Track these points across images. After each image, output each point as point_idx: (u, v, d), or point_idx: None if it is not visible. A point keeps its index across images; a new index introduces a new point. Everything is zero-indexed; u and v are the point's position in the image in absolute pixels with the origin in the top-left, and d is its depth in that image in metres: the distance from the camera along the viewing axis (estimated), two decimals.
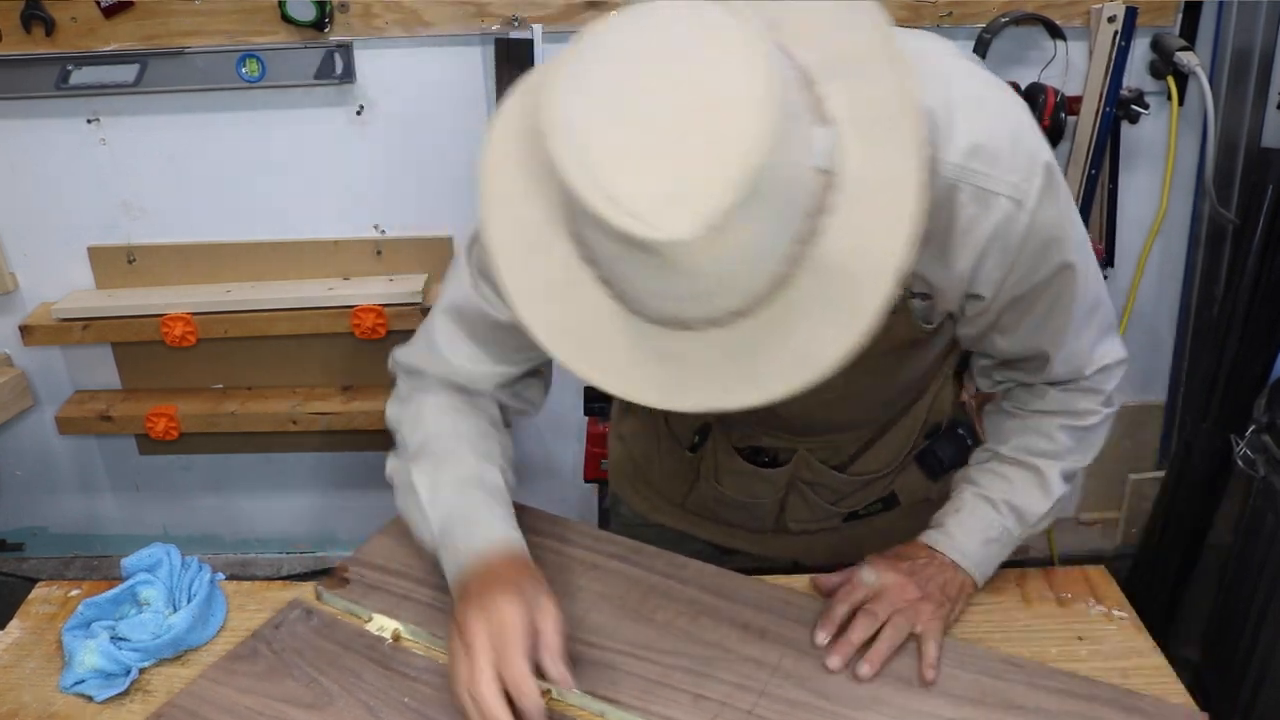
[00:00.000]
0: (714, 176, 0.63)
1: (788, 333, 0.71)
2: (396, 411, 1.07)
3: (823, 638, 0.95)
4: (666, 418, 1.21)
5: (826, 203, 0.68)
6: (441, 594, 1.04)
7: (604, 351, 0.75)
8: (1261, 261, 1.95)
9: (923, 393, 1.16)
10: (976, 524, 1.01)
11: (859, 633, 0.94)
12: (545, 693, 0.92)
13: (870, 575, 0.99)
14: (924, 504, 1.23)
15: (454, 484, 0.98)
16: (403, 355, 1.07)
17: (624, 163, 0.65)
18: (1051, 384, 1.01)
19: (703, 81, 0.64)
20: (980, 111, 0.83)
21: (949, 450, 1.19)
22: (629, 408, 1.30)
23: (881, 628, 0.94)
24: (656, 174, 0.64)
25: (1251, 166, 1.94)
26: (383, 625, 1.00)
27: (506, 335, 0.97)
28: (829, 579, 1.02)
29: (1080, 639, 1.00)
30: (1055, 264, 0.89)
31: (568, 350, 0.76)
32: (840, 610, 0.97)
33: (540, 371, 1.09)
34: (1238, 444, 1.77)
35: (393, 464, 1.05)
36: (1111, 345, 1.00)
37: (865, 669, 0.91)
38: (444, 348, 1.02)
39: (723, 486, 1.19)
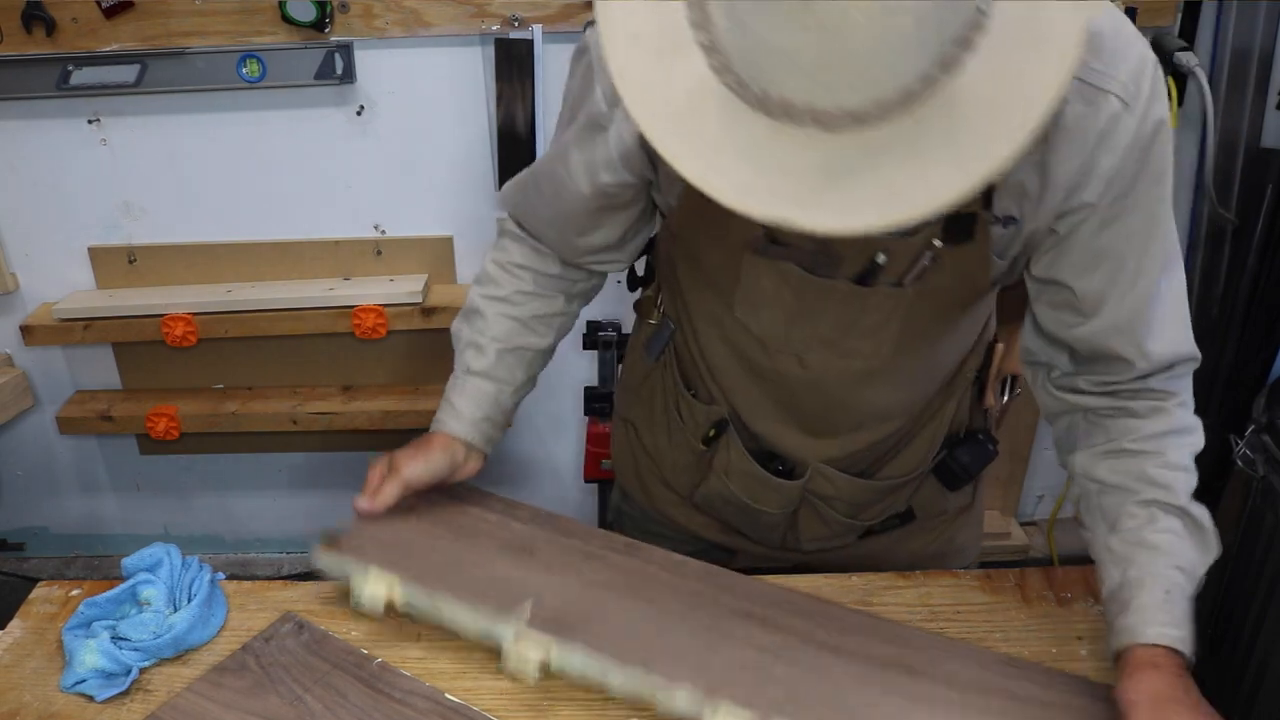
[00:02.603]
0: None
1: (899, 159, 0.63)
2: (490, 254, 1.15)
3: None
4: (679, 409, 1.18)
5: (972, 39, 0.61)
6: (438, 559, 1.03)
7: (693, 135, 0.67)
8: (1261, 261, 1.95)
9: (947, 397, 1.13)
10: (1180, 608, 0.88)
11: None
12: (544, 664, 0.90)
13: None
14: (939, 517, 1.21)
15: (477, 360, 1.12)
16: (504, 197, 1.13)
17: None
18: (1148, 390, 0.93)
19: None
20: None
21: (969, 457, 1.15)
22: (638, 393, 1.25)
23: None
24: None
25: (1251, 167, 1.93)
26: (377, 582, 0.98)
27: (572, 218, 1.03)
28: None
29: (1080, 639, 1.00)
30: (1155, 173, 0.84)
31: (656, 123, 0.67)
32: None
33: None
34: (1237, 444, 1.77)
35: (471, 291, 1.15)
36: (1190, 330, 0.93)
37: None
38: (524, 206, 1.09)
39: (732, 485, 1.16)
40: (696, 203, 0.93)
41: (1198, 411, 0.96)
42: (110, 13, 1.79)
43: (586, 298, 1.19)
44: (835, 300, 0.95)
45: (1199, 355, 0.94)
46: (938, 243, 0.89)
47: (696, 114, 0.66)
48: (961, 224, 0.88)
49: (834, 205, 0.64)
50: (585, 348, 2.07)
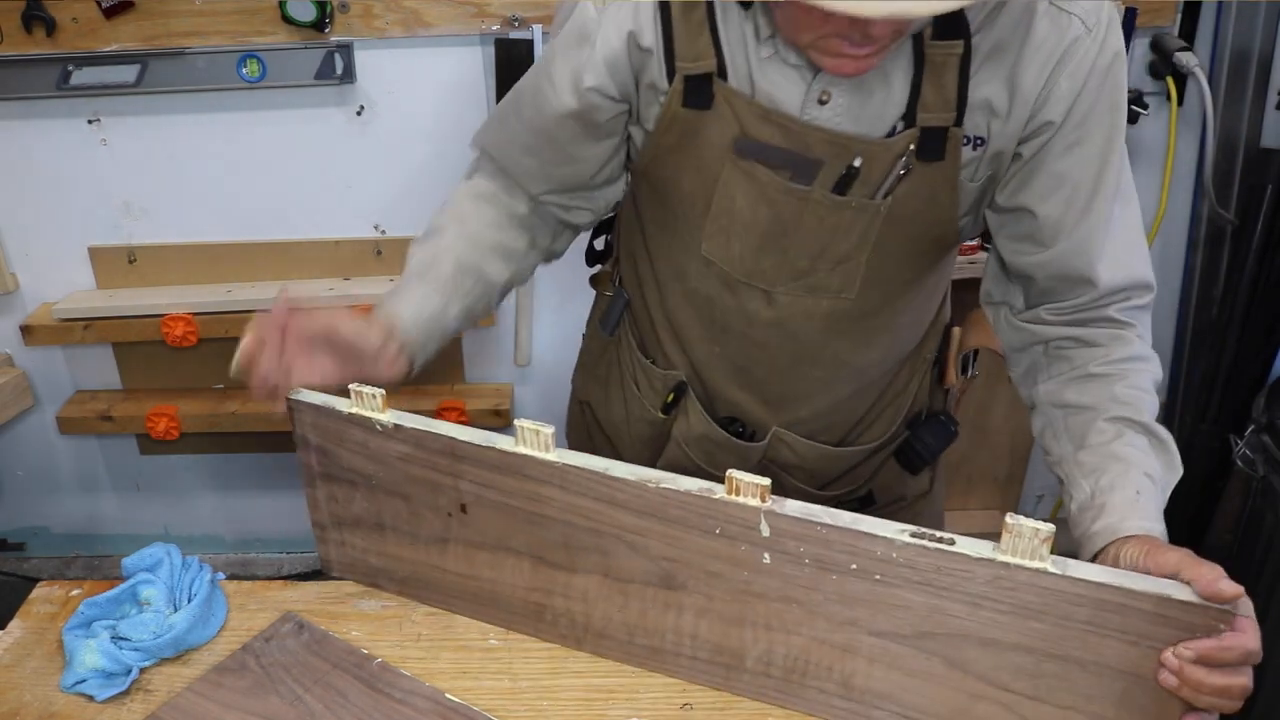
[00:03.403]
0: None
1: None
2: (458, 186, 1.14)
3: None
4: (636, 380, 1.18)
5: None
6: None
7: None
8: (1260, 262, 1.95)
9: (910, 375, 1.14)
10: (1153, 507, 0.88)
11: None
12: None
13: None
14: (898, 503, 1.22)
15: (431, 271, 1.08)
16: (478, 135, 1.11)
17: None
18: (1108, 319, 0.95)
19: None
20: None
21: (930, 437, 1.16)
22: (594, 372, 1.26)
23: None
24: None
25: (1251, 167, 1.94)
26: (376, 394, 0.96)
27: (551, 142, 1.02)
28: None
29: None
30: (1111, 102, 0.90)
31: None
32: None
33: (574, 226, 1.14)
34: (1237, 444, 1.77)
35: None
36: (1147, 260, 0.96)
37: None
38: (500, 132, 1.08)
39: (691, 451, 1.15)
40: (676, 115, 0.95)
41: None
42: (110, 13, 1.79)
43: (547, 256, 1.16)
44: (810, 215, 0.95)
45: (1154, 285, 0.96)
46: (912, 147, 0.91)
47: None
48: (934, 140, 0.90)
49: None
50: None
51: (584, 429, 1.29)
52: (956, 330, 1.19)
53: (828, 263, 0.98)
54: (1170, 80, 1.88)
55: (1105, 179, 0.92)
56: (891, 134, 0.91)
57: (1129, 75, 1.87)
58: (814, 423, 1.12)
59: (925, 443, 1.17)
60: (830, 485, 1.18)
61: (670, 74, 0.95)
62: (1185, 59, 1.81)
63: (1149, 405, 0.93)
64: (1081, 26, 0.86)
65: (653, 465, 1.17)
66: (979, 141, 0.91)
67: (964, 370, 1.21)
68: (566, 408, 1.36)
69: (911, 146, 0.91)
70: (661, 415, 1.17)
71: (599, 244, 1.25)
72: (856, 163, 0.92)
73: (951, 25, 0.86)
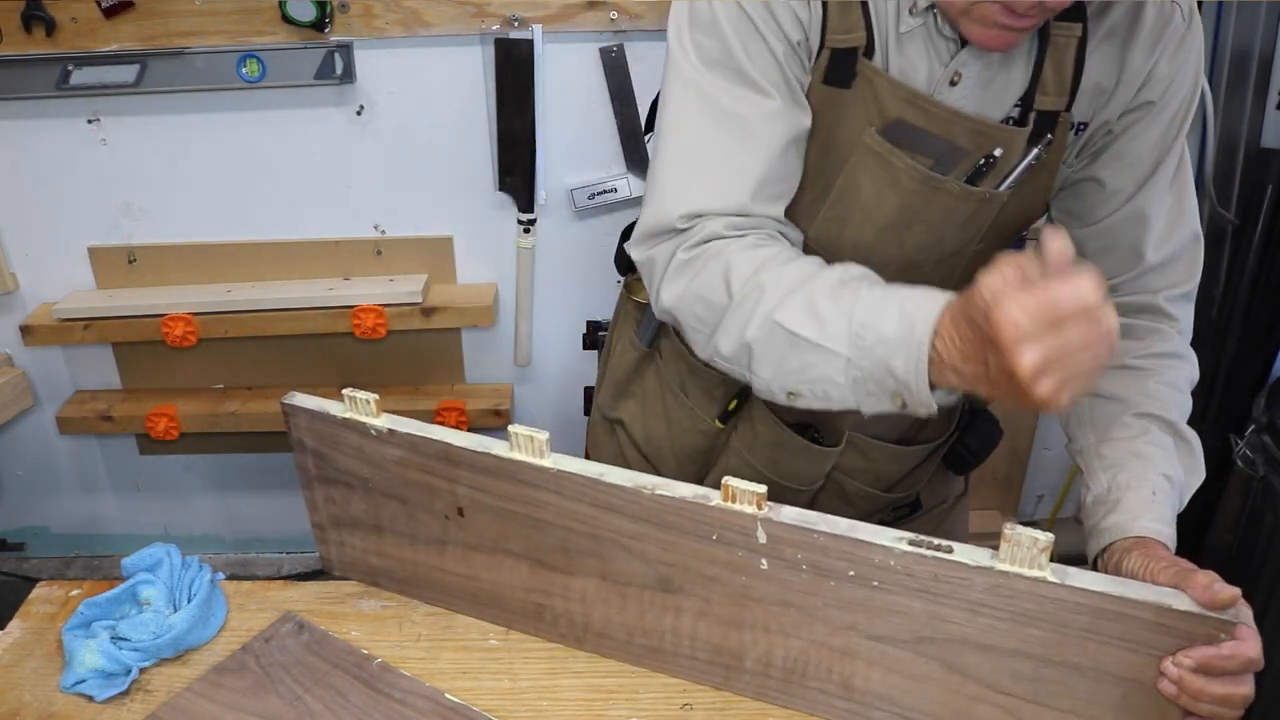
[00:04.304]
0: None
1: None
2: (684, 285, 0.88)
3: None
4: (685, 389, 1.13)
5: None
6: None
7: None
8: (1261, 262, 1.95)
9: None
10: (1166, 509, 0.89)
11: None
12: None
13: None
14: (940, 506, 1.21)
15: (829, 296, 0.80)
16: (652, 218, 0.90)
17: None
18: (1154, 308, 0.97)
19: None
20: None
21: (978, 440, 1.15)
22: (627, 387, 1.21)
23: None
24: None
25: (1251, 167, 1.94)
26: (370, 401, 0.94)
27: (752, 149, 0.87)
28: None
29: None
30: (1193, 89, 0.93)
31: None
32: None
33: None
34: (1237, 444, 1.77)
35: (721, 336, 0.86)
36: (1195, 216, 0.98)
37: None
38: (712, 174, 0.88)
39: (755, 459, 1.10)
40: (812, 91, 0.89)
41: (1198, 411, 0.97)
42: (110, 13, 1.79)
43: None
44: (938, 206, 0.92)
45: (1200, 238, 0.98)
46: (1050, 136, 0.90)
47: None
48: (1047, 125, 0.90)
49: None
50: (585, 348, 2.07)
51: (615, 449, 1.24)
52: None
53: (937, 255, 0.96)
54: None
55: (1170, 156, 0.94)
56: (1007, 120, 0.91)
57: None
58: (880, 422, 1.06)
59: (976, 442, 1.15)
60: (893, 488, 1.15)
61: (820, 47, 0.88)
62: None
63: (1180, 404, 0.94)
64: (1180, 16, 0.89)
65: (703, 478, 1.16)
66: (1081, 127, 0.92)
67: None
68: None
69: (1050, 136, 0.90)
70: (719, 425, 1.11)
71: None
72: (997, 153, 0.90)
73: (1072, 8, 0.85)
